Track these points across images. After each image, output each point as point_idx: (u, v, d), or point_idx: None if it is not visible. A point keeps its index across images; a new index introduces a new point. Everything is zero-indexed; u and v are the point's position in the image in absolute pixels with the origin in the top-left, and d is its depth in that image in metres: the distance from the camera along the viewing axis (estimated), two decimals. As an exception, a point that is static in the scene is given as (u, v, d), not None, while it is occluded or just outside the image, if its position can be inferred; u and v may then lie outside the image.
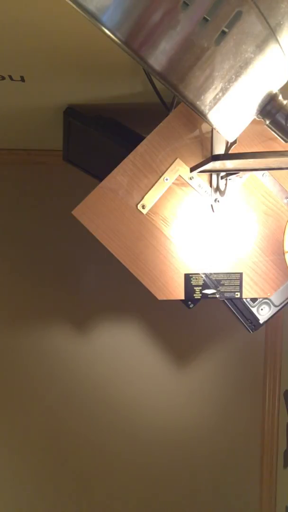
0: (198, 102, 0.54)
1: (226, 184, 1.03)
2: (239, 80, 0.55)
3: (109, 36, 0.54)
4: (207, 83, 0.54)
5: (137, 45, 0.52)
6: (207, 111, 0.55)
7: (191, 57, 0.53)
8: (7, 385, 1.78)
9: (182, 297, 1.05)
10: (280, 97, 0.65)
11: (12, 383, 1.78)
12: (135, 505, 1.82)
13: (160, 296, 1.04)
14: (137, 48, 0.53)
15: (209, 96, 0.55)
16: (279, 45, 0.54)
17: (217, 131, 0.61)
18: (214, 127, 0.59)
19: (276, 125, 0.62)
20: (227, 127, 0.60)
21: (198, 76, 0.53)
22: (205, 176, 1.03)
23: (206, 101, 0.55)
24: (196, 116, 0.96)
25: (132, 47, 0.53)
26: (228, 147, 0.97)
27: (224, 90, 0.55)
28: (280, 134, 0.66)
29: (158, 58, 0.53)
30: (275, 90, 0.63)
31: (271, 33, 0.52)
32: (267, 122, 0.63)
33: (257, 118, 0.67)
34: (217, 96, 0.55)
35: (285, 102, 0.64)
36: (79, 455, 1.81)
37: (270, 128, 0.67)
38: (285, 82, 0.64)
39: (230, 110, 0.58)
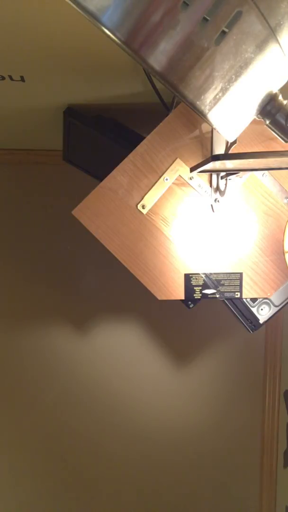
0: (198, 102, 0.54)
1: (226, 184, 1.03)
2: (239, 80, 0.55)
3: (109, 36, 0.54)
4: (207, 83, 0.54)
5: (137, 45, 0.52)
6: (207, 111, 0.55)
7: (191, 57, 0.53)
8: (7, 385, 1.78)
9: (182, 297, 1.05)
10: (280, 97, 0.65)
11: (12, 383, 1.78)
12: (134, 503, 1.82)
13: (160, 296, 1.04)
14: (137, 48, 0.53)
15: (209, 96, 0.54)
16: (279, 45, 0.54)
17: (217, 131, 0.61)
18: (214, 127, 0.59)
19: (276, 125, 0.62)
20: (227, 127, 0.60)
21: (198, 76, 0.53)
22: (205, 176, 1.03)
23: (206, 101, 0.54)
24: (196, 116, 0.96)
25: (132, 47, 0.53)
26: (228, 147, 0.97)
27: (224, 90, 0.55)
28: (280, 134, 0.66)
29: (158, 58, 0.53)
30: (275, 90, 0.62)
31: (271, 33, 0.52)
32: (267, 122, 0.63)
33: (257, 118, 0.67)
34: (217, 96, 0.55)
35: (285, 102, 0.64)
36: (79, 454, 1.81)
37: (270, 128, 0.67)
38: (285, 82, 0.64)
39: (230, 110, 0.58)
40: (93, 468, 1.81)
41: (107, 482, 1.82)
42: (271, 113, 0.60)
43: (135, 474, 1.82)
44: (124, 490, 1.82)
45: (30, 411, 1.79)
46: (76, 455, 1.81)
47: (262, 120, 0.66)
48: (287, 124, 0.60)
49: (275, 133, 0.68)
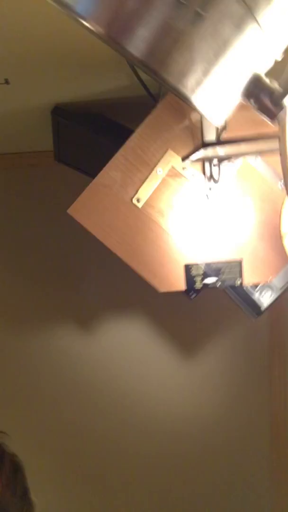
0: (180, 86, 0.54)
1: (219, 172, 1.02)
2: (220, 61, 0.55)
3: (86, 27, 0.54)
4: (187, 66, 0.53)
5: (115, 34, 0.52)
6: (190, 94, 0.55)
7: (169, 41, 0.52)
8: (13, 385, 1.78)
9: (183, 288, 1.05)
10: (264, 78, 0.64)
11: (18, 383, 1.77)
12: (142, 496, 1.81)
13: (162, 289, 1.04)
14: (116, 37, 0.52)
15: (191, 79, 0.54)
16: (257, 23, 0.54)
17: (203, 115, 0.60)
18: (199, 111, 0.58)
19: (260, 105, 0.61)
20: (213, 110, 0.60)
21: (178, 60, 0.53)
22: (198, 165, 1.03)
23: (188, 84, 0.54)
24: (185, 106, 0.95)
25: (110, 36, 0.53)
26: (218, 134, 0.97)
27: (205, 73, 0.54)
28: (264, 114, 0.66)
29: (138, 45, 0.52)
30: (258, 70, 0.62)
31: (248, 11, 0.52)
32: (251, 103, 0.62)
33: (242, 101, 0.66)
34: (199, 79, 0.54)
35: (268, 81, 0.63)
36: (87, 451, 1.79)
37: (256, 110, 0.66)
38: (268, 61, 0.63)
39: (213, 93, 0.57)
40: (101, 463, 1.80)
41: (115, 476, 1.79)
42: (254, 94, 0.60)
43: (143, 467, 1.80)
44: (132, 483, 1.80)
45: (36, 410, 1.78)
46: (84, 451, 1.79)
47: (248, 102, 0.65)
48: (271, 104, 0.60)
49: (260, 114, 0.67)
